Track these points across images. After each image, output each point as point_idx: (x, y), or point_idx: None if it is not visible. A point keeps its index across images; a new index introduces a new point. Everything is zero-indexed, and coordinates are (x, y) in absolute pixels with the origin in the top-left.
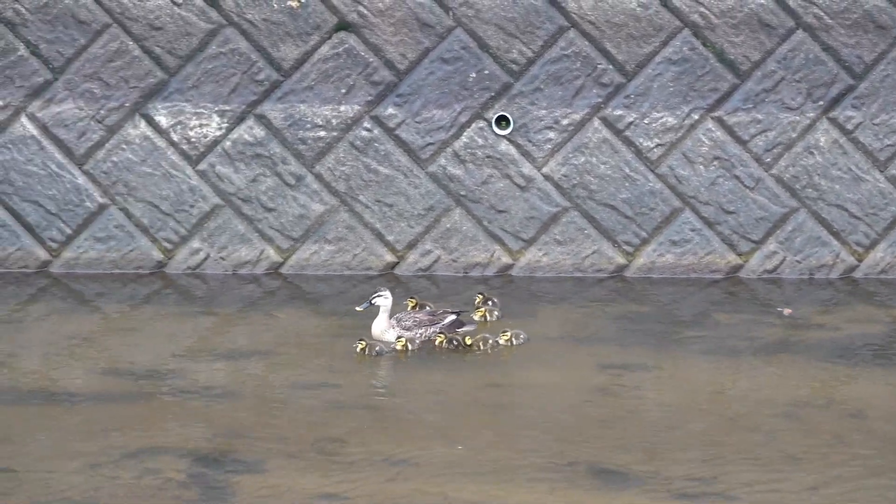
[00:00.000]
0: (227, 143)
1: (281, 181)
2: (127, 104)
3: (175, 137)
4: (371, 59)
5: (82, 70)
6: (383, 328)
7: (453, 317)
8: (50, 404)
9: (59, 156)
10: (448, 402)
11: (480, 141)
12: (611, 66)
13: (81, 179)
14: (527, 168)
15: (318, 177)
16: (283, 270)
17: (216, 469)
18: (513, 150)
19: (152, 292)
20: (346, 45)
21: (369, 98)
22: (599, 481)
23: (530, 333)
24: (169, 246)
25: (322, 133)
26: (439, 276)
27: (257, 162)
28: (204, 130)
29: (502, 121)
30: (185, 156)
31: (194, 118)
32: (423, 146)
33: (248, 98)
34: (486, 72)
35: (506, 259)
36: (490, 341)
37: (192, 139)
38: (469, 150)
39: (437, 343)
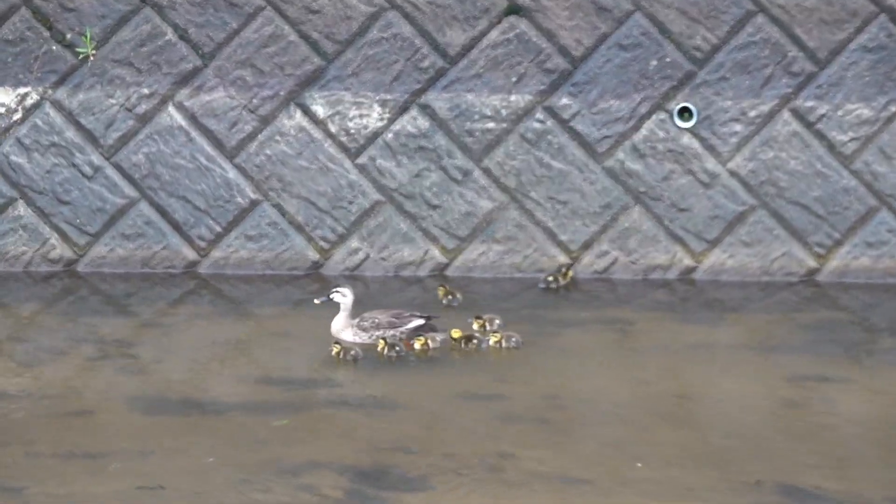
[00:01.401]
0: (389, 135)
1: (446, 176)
2: (281, 93)
3: (333, 129)
4: (544, 46)
5: (234, 56)
6: (339, 327)
7: (419, 321)
8: (198, 415)
9: (208, 148)
10: (624, 414)
11: (661, 134)
12: (801, 54)
13: (232, 173)
14: (711, 163)
15: (487, 171)
16: (449, 272)
17: (376, 486)
18: (696, 144)
19: (308, 295)
20: (517, 30)
21: (542, 87)
22: (789, 501)
23: (713, 341)
24: (325, 245)
25: (491, 125)
26: (616, 279)
27: (421, 155)
28: (364, 121)
29: (685, 112)
30: (343, 148)
31: (353, 108)
32: (600, 139)
33: (412, 86)
34: (668, 59)
35: (688, 261)
36: (475, 342)
37: (352, 131)
38: (649, 144)
39: (379, 348)
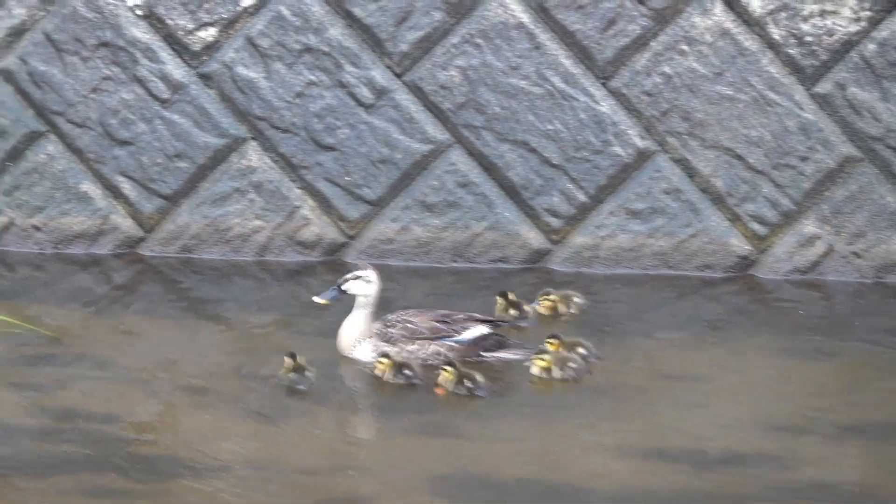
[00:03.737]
0: (870, 47)
1: None
2: None
3: (775, 34)
4: None
5: None
6: (354, 337)
7: (483, 329)
8: None
9: (567, 63)
10: None
11: None
12: None
13: (606, 105)
14: None
15: None
16: None
17: None
18: None
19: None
20: None
21: None
22: None
23: None
24: (761, 230)
25: None
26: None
27: None
28: (827, 23)
29: None
30: (794, 68)
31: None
32: None
33: None
34: None
35: None
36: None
37: (807, 38)
38: None
39: (378, 370)
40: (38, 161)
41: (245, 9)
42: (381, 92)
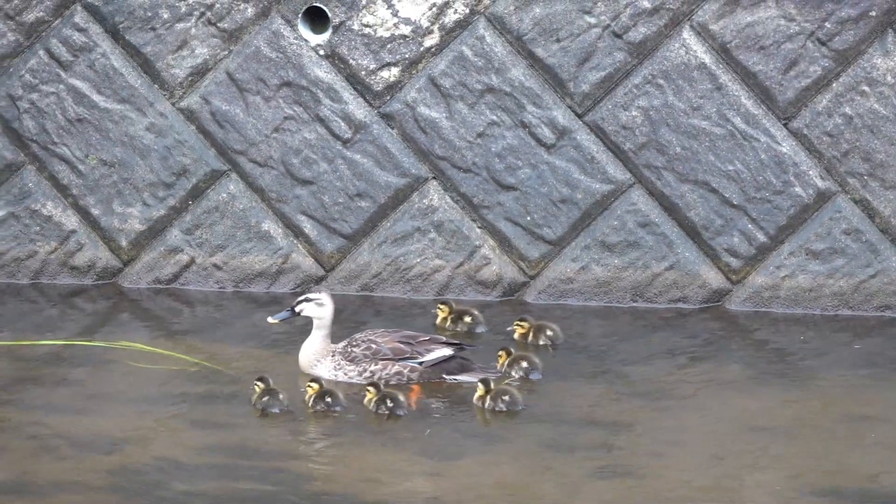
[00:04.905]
0: None
1: None
2: (872, 12)
3: None
4: None
5: None
6: (315, 355)
7: (446, 351)
8: None
9: (748, 103)
10: None
11: None
12: None
13: (787, 146)
14: None
15: None
16: None
17: None
18: None
19: None
20: None
21: None
22: None
23: None
24: None
25: None
26: None
27: None
28: None
29: None
30: None
31: None
32: None
33: None
34: None
35: None
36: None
37: None
38: None
39: (365, 400)
40: (220, 200)
41: (428, 49)
42: (562, 132)
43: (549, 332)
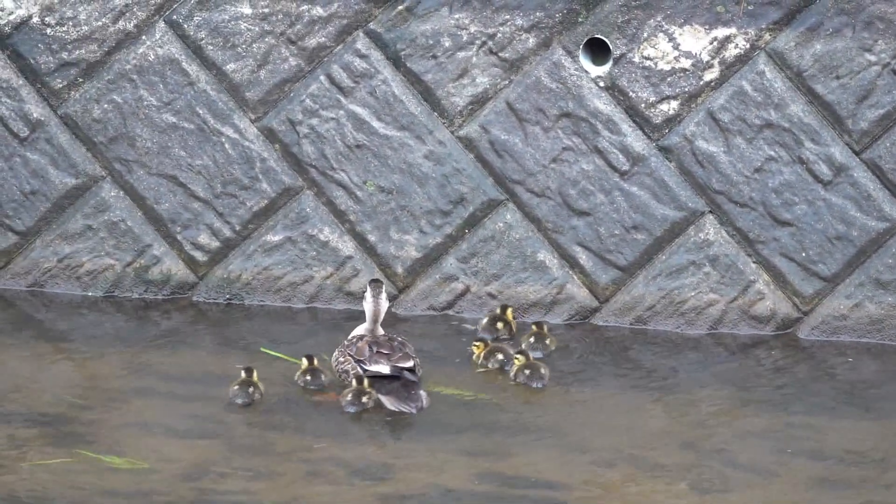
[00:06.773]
0: None
1: None
2: None
3: None
4: None
5: None
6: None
7: (383, 369)
8: None
9: None
10: None
11: None
12: None
13: None
14: None
15: None
16: None
17: None
18: None
19: None
20: None
21: None
22: None
23: None
24: None
25: None
26: None
27: None
28: None
29: None
30: None
31: None
32: None
33: None
34: None
35: None
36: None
37: None
38: None
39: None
40: (496, 229)
41: (707, 83)
42: (839, 169)
43: (499, 356)
